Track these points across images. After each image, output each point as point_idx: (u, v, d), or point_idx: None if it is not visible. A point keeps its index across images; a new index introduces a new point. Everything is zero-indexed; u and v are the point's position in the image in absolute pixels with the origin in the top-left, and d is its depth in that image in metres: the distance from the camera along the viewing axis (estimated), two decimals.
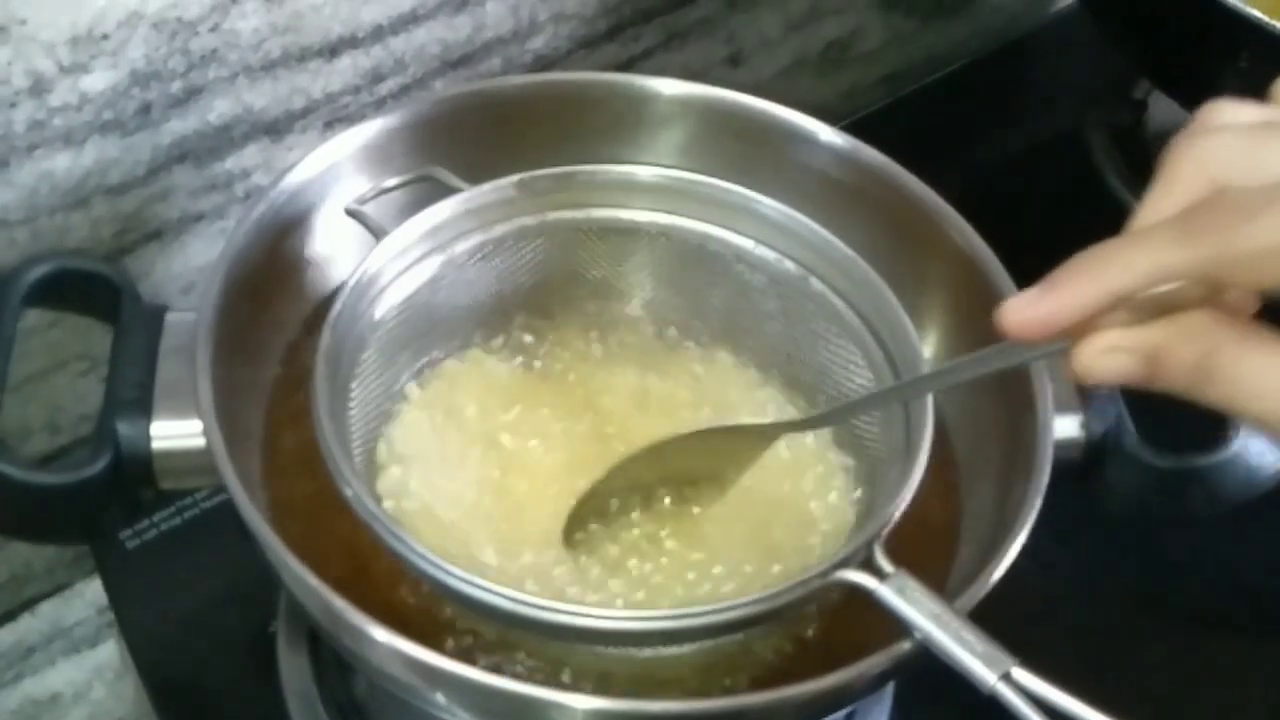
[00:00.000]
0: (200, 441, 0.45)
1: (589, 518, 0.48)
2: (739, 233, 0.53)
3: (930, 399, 0.46)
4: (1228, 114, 0.36)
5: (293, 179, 0.53)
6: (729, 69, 0.83)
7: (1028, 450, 0.47)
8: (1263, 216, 0.31)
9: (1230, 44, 0.66)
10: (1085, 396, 0.50)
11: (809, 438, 0.51)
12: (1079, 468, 0.50)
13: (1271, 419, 0.32)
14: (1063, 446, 0.48)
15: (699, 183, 0.53)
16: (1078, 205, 0.81)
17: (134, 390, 0.47)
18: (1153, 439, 0.50)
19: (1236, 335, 0.32)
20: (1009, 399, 0.50)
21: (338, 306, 0.47)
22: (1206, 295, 0.33)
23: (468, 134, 0.57)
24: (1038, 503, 0.45)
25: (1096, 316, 0.34)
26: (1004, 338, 0.35)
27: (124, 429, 0.46)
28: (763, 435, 0.49)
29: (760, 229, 0.52)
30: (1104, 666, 0.61)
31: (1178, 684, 0.63)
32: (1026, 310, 0.34)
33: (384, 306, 0.50)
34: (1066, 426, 0.49)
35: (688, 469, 0.49)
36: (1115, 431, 0.50)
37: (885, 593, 0.41)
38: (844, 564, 0.42)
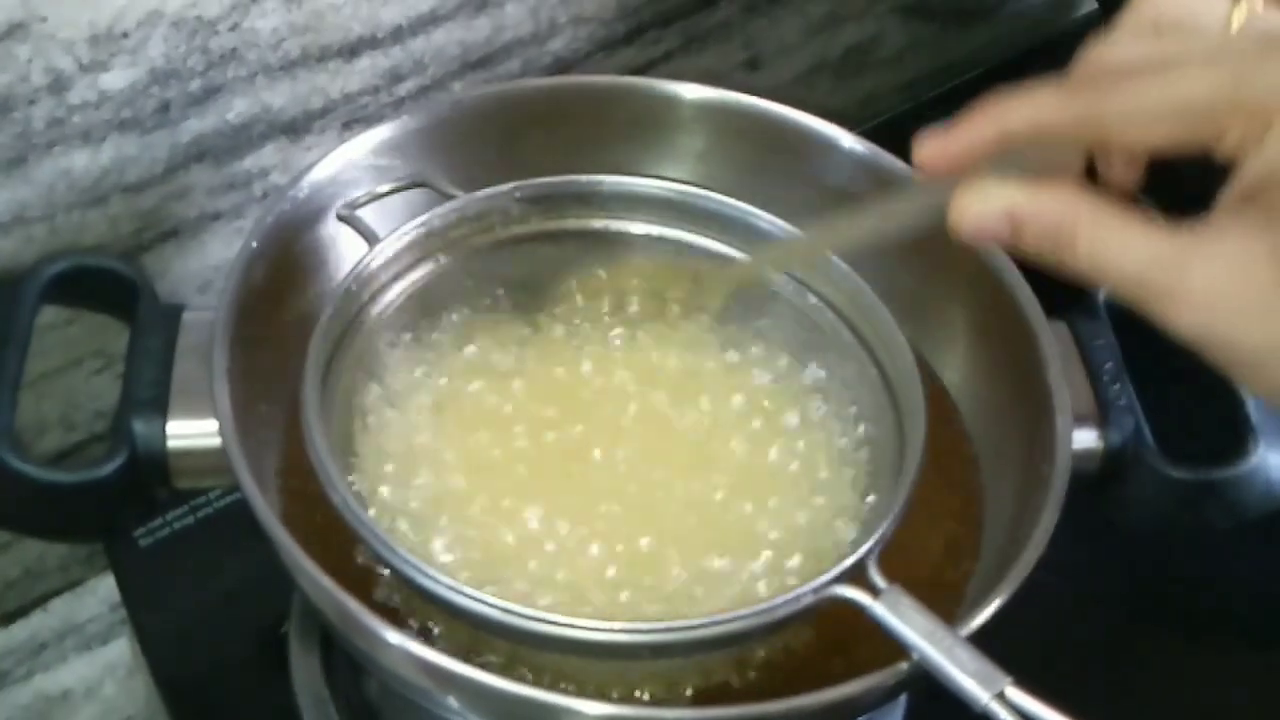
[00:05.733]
0: (216, 441, 0.45)
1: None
2: (734, 246, 0.53)
3: (924, 420, 0.46)
4: None
5: (310, 179, 0.53)
6: (747, 73, 0.83)
7: (1045, 462, 0.47)
8: (1131, 81, 0.35)
9: None
10: (1104, 408, 0.50)
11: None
12: (1097, 479, 0.50)
13: (1132, 291, 0.35)
14: (1081, 458, 0.48)
15: (696, 195, 0.53)
16: None
17: (150, 389, 0.47)
18: (1171, 451, 0.49)
19: (1093, 206, 0.35)
20: (1028, 409, 0.49)
21: (328, 311, 0.47)
22: (1084, 159, 0.38)
23: (487, 136, 0.57)
24: (1055, 515, 0.45)
25: (986, 154, 0.38)
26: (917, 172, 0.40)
27: (140, 428, 0.47)
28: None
29: (755, 242, 0.52)
30: (1111, 682, 0.61)
31: (1186, 701, 0.62)
32: (933, 144, 0.39)
33: (376, 312, 0.50)
34: (1085, 438, 0.49)
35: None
36: (1134, 443, 0.50)
37: (878, 609, 0.41)
38: (838, 579, 0.42)
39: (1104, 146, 0.37)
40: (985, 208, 0.37)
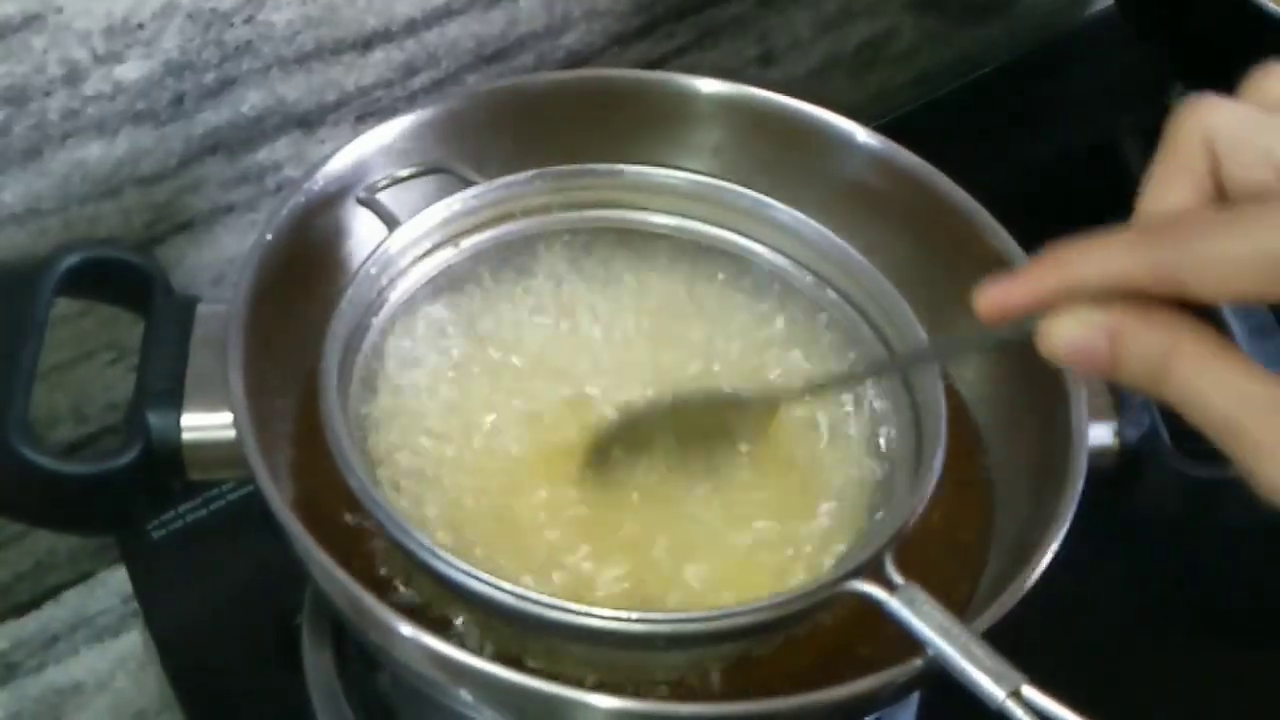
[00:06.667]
0: (230, 434, 0.45)
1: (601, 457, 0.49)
2: (753, 238, 0.53)
3: (944, 416, 0.46)
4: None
5: (325, 171, 0.52)
6: (760, 68, 0.83)
7: (1061, 458, 0.47)
8: (1217, 230, 0.32)
9: (1267, 49, 0.65)
10: (1119, 404, 0.50)
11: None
12: (1113, 477, 0.50)
13: (1219, 431, 0.32)
14: (1096, 454, 0.48)
15: (714, 186, 0.53)
16: (1110, 210, 0.80)
17: (165, 381, 0.47)
18: (1187, 447, 0.49)
19: (1196, 337, 0.33)
20: (1043, 407, 0.49)
21: (348, 293, 0.47)
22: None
23: (501, 129, 0.57)
24: (1070, 513, 0.45)
25: (1050, 306, 0.35)
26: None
27: (155, 419, 0.46)
28: (763, 403, 0.49)
29: (775, 235, 0.52)
30: (1127, 681, 0.61)
31: (1202, 700, 0.62)
32: (992, 295, 0.36)
33: (395, 296, 0.50)
34: (1100, 434, 0.49)
35: (696, 428, 0.49)
36: (1150, 439, 0.49)
37: (894, 605, 0.40)
38: (854, 574, 0.42)
39: (1179, 299, 0.33)
40: (1084, 330, 0.34)
